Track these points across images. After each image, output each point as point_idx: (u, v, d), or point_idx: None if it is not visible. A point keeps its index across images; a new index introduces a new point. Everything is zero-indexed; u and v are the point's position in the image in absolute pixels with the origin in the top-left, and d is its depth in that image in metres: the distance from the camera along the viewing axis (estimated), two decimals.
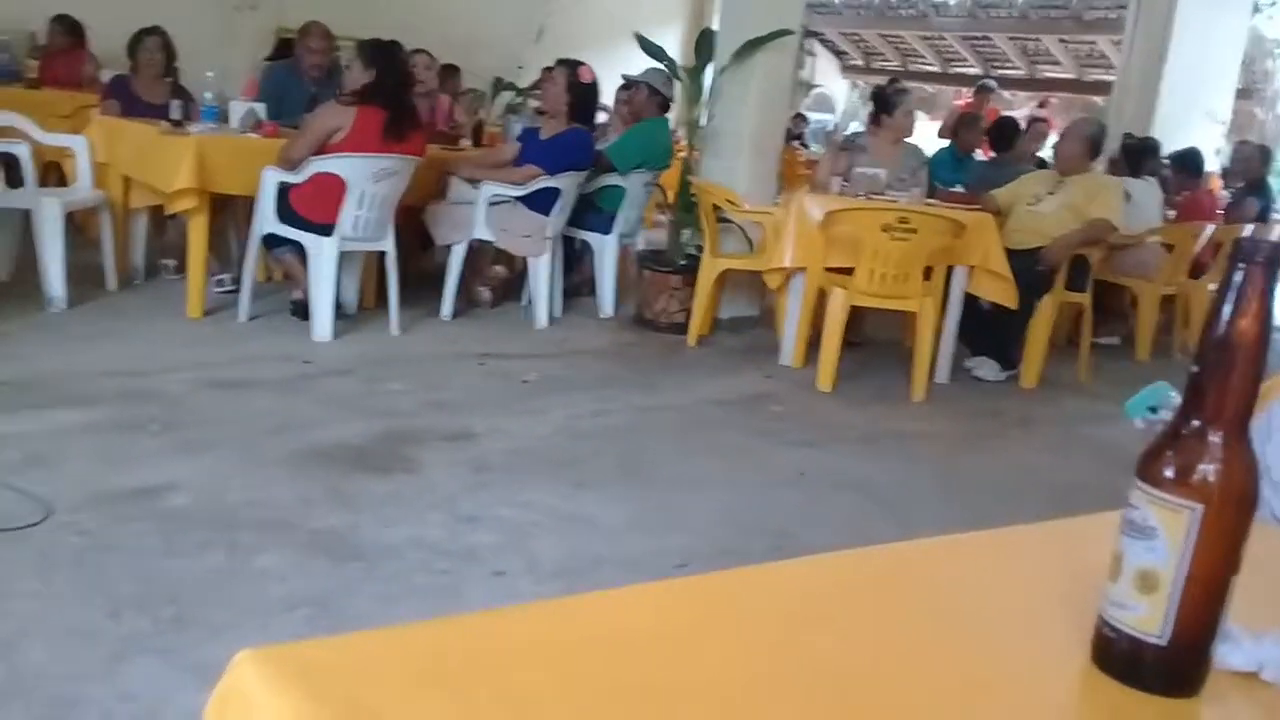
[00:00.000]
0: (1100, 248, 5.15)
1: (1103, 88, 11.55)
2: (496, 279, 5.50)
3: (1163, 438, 0.73)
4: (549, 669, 0.67)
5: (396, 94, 4.52)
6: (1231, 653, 0.73)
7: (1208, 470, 0.70)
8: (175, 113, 4.86)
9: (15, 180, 4.51)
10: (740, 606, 0.80)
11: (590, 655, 0.69)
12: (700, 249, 5.32)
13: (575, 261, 5.89)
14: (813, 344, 4.72)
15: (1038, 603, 0.86)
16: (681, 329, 5.24)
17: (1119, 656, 0.73)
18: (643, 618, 0.76)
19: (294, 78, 5.57)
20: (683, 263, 5.43)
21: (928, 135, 10.28)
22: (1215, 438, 0.71)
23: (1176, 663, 0.71)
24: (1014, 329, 4.99)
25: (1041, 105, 12.28)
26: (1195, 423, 0.72)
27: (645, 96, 5.83)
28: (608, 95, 6.75)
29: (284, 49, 6.72)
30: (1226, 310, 0.71)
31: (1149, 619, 0.71)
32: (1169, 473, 0.71)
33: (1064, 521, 1.02)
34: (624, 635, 0.73)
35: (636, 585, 0.79)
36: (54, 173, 5.52)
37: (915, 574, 0.92)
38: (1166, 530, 0.70)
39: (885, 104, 5.31)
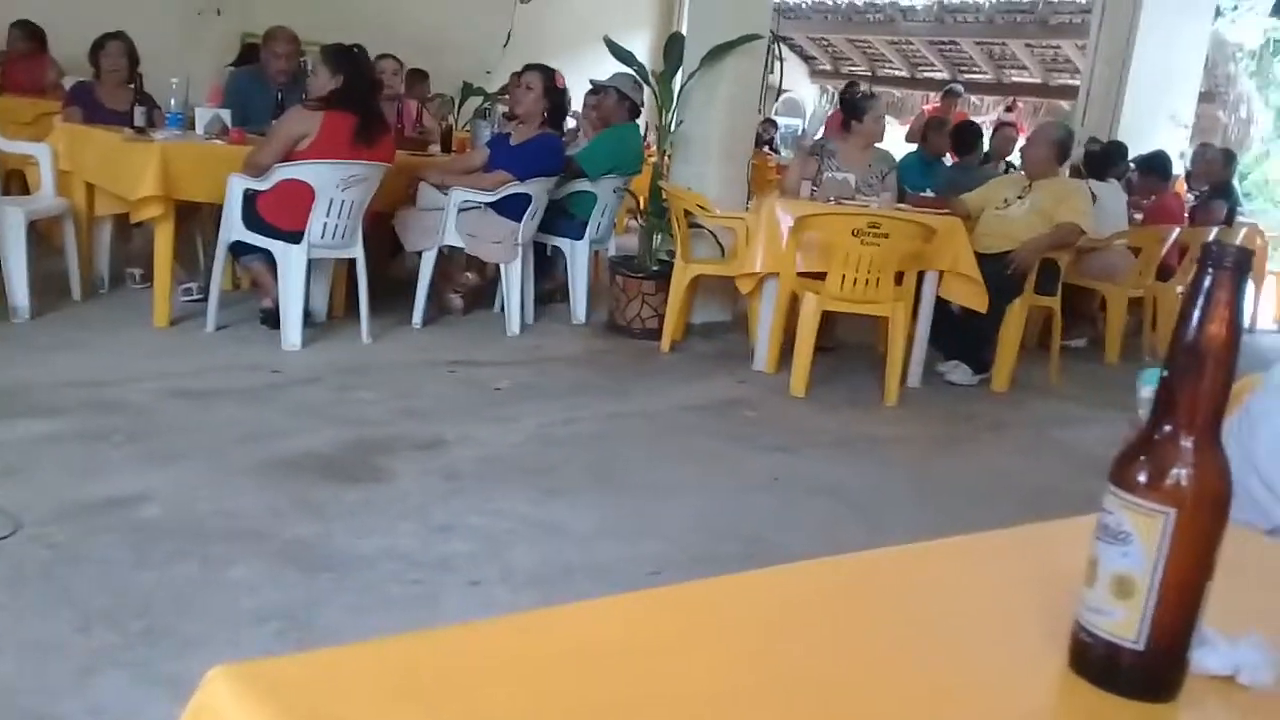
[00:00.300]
0: (1069, 251, 5.20)
1: (1069, 92, 11.67)
2: (467, 286, 5.47)
3: (1135, 443, 0.74)
4: (523, 684, 0.66)
5: (365, 99, 4.50)
6: (1208, 656, 0.74)
7: (1180, 474, 0.71)
8: (139, 119, 4.82)
9: None
10: (714, 617, 0.80)
11: (564, 669, 0.69)
12: (672, 254, 5.33)
13: (547, 268, 5.88)
14: (785, 349, 4.74)
15: (1014, 608, 0.86)
16: (654, 335, 5.25)
17: (1096, 661, 0.73)
18: (617, 629, 0.76)
19: (260, 83, 5.52)
20: (655, 268, 5.44)
21: (896, 140, 10.36)
22: (1187, 442, 0.71)
23: (1153, 667, 0.72)
24: (985, 332, 5.02)
25: (1009, 109, 12.41)
26: (1167, 427, 0.72)
27: (614, 101, 5.83)
28: (577, 101, 6.76)
29: (249, 54, 6.67)
30: (1196, 315, 0.72)
31: (1125, 624, 0.71)
32: (1142, 477, 0.72)
33: (1038, 526, 1.03)
34: (598, 648, 0.72)
35: (610, 597, 0.79)
36: (16, 181, 5.45)
37: (890, 581, 0.92)
38: (1141, 535, 0.71)
39: (855, 110, 5.35)
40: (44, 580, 2.33)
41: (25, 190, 5.26)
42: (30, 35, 6.79)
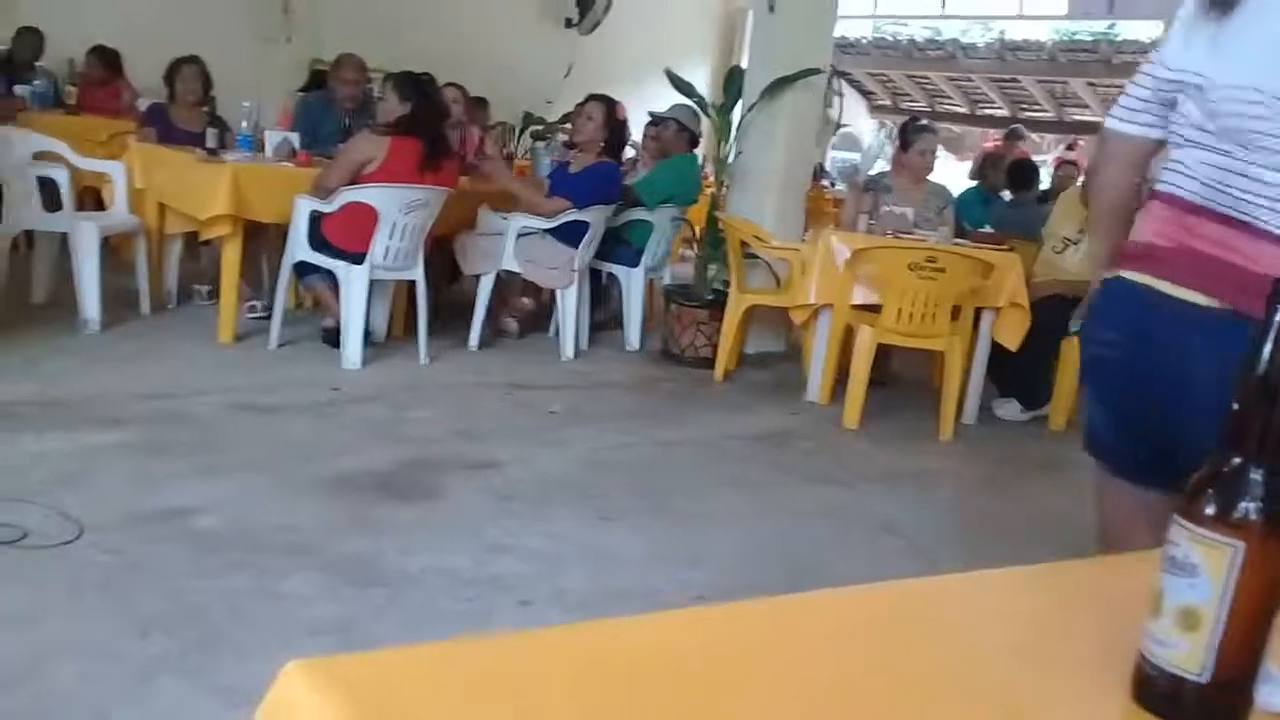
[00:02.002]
0: None
1: None
2: (523, 310, 5.53)
3: (1204, 475, 0.74)
4: (582, 693, 0.67)
5: (432, 126, 4.59)
6: (1273, 694, 0.73)
7: (1249, 507, 0.70)
8: (211, 141, 4.94)
9: (54, 204, 4.59)
10: (767, 637, 0.80)
11: (620, 681, 0.70)
12: (727, 284, 5.34)
13: (602, 295, 5.92)
14: (839, 381, 4.72)
15: (1075, 639, 0.85)
16: (708, 363, 5.25)
17: (1159, 694, 0.73)
18: (670, 644, 0.77)
19: (328, 108, 5.65)
20: (709, 297, 5.45)
21: (956, 176, 10.31)
22: (1256, 475, 0.71)
23: (1218, 701, 0.71)
24: (1036, 369, 4.97)
25: (1070, 148, 12.29)
26: (1236, 460, 0.72)
27: (674, 132, 5.88)
28: (636, 130, 6.82)
29: (318, 80, 6.83)
30: (1266, 349, 0.72)
31: (1190, 657, 0.71)
32: (1210, 510, 0.71)
33: (1099, 560, 1.02)
34: (652, 661, 0.73)
35: (665, 612, 0.80)
36: (91, 197, 5.61)
37: (946, 609, 0.92)
38: (1208, 567, 0.70)
39: (903, 141, 5.35)
40: (104, 587, 2.38)
41: (100, 207, 5.41)
42: (107, 61, 7.01)
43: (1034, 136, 12.71)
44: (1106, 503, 1.83)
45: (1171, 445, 1.52)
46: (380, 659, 0.69)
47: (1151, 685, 0.73)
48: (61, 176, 4.54)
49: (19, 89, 6.47)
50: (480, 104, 7.98)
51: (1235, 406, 0.73)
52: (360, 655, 0.68)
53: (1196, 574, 0.71)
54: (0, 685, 1.96)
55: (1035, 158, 9.53)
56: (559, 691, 0.67)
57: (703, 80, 10.00)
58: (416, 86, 4.60)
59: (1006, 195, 7.21)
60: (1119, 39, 11.62)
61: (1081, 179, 6.95)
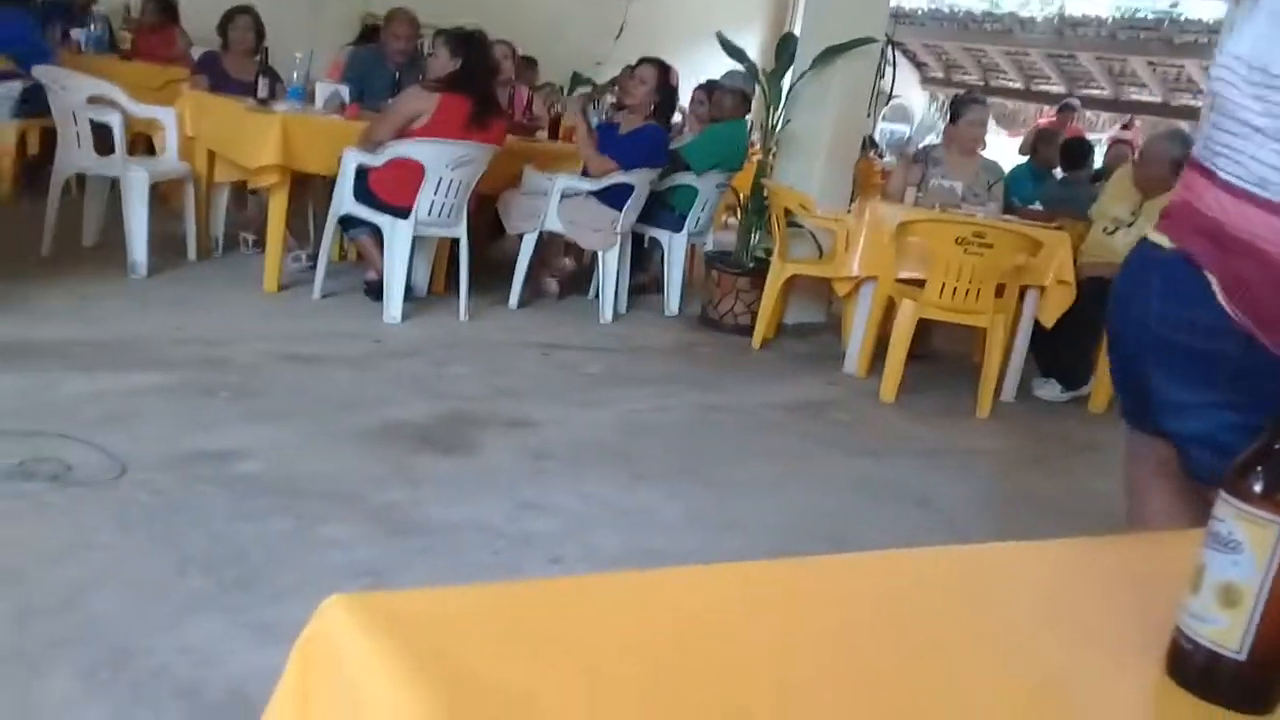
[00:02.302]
0: None
1: (1190, 113, 11.29)
2: (564, 271, 5.54)
3: (1252, 453, 0.73)
4: (618, 639, 0.68)
5: (482, 83, 4.58)
6: None
7: None
8: (263, 91, 4.96)
9: (106, 148, 4.64)
10: (797, 593, 0.81)
11: (658, 630, 0.71)
12: (769, 252, 5.31)
13: (643, 259, 5.91)
14: (878, 354, 4.69)
15: (1110, 612, 0.85)
16: (746, 331, 5.24)
17: (1195, 669, 0.72)
18: (704, 596, 0.77)
19: (378, 62, 5.66)
20: (751, 265, 5.43)
21: (1008, 151, 10.15)
22: None
23: (1255, 678, 0.71)
24: (1078, 350, 4.91)
25: (1125, 127, 12.05)
26: None
27: (733, 100, 5.82)
28: (684, 96, 6.77)
29: (370, 34, 6.83)
30: None
31: (1229, 633, 0.70)
32: (1258, 487, 0.71)
33: (1137, 535, 1.01)
34: (689, 612, 0.74)
35: (699, 565, 0.81)
36: (142, 143, 5.66)
37: (982, 577, 0.92)
38: (1253, 545, 0.70)
39: (953, 112, 5.27)
40: (146, 524, 2.43)
41: (151, 153, 5.47)
42: (162, 7, 7.05)
43: (1089, 114, 12.47)
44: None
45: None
46: (418, 596, 0.70)
47: (1187, 660, 0.73)
48: (114, 121, 4.58)
49: (75, 32, 6.53)
50: (529, 63, 7.96)
51: None
52: (398, 592, 0.69)
53: (1240, 550, 0.70)
54: (46, 610, 2.01)
55: (1089, 136, 9.35)
56: (592, 636, 0.68)
57: (754, 46, 9.88)
58: (468, 43, 4.59)
59: (1058, 172, 7.09)
60: (1182, 18, 11.35)
61: (1136, 157, 6.82)
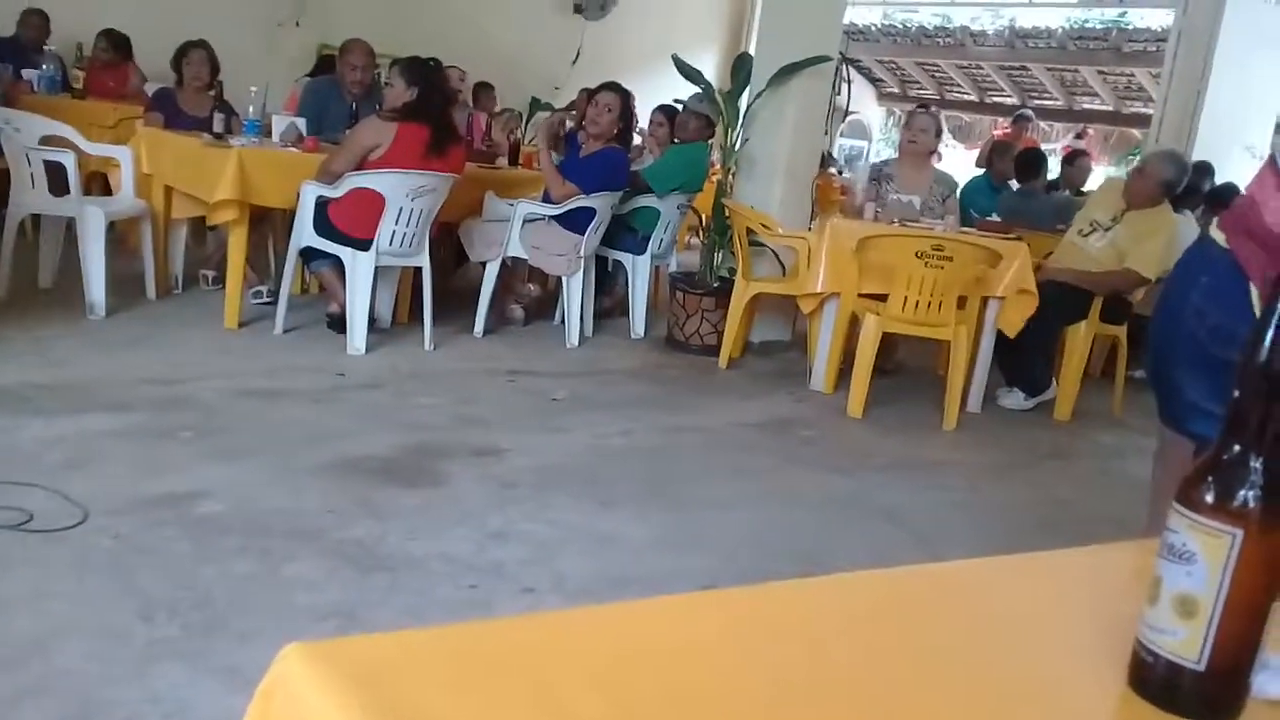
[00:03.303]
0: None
1: (1141, 120, 11.49)
2: (529, 297, 5.53)
3: (1204, 463, 0.73)
4: (584, 675, 0.68)
5: (439, 112, 4.58)
6: (1270, 681, 0.73)
7: (1248, 495, 0.70)
8: (218, 125, 4.94)
9: (60, 189, 4.59)
10: (767, 621, 0.81)
11: (624, 663, 0.70)
12: (733, 271, 5.33)
13: (608, 282, 5.92)
14: (844, 369, 4.72)
15: (1073, 625, 0.85)
16: (713, 351, 5.25)
17: (1156, 681, 0.73)
18: (674, 628, 0.77)
19: (335, 93, 5.65)
20: (715, 285, 5.45)
21: (964, 164, 10.27)
22: (1256, 463, 0.71)
23: (1214, 689, 0.71)
24: (1038, 355, 4.96)
25: (1079, 136, 12.24)
26: (1236, 448, 0.71)
27: (697, 122, 5.86)
28: (643, 118, 6.81)
29: (325, 65, 6.82)
30: (1268, 337, 0.71)
31: (1188, 644, 0.71)
32: (1209, 498, 0.71)
33: (1098, 547, 1.02)
34: (656, 644, 0.73)
35: (668, 596, 0.80)
36: (98, 182, 5.61)
37: (945, 595, 0.92)
38: (1206, 555, 0.70)
39: (905, 124, 5.33)
40: (109, 570, 2.39)
41: (106, 191, 5.42)
42: (114, 44, 7.01)
43: (1043, 125, 12.65)
44: (1157, 451, 1.89)
45: (1168, 382, 1.61)
46: (378, 641, 0.69)
47: (1149, 672, 0.73)
48: (68, 161, 4.54)
49: (26, 73, 6.47)
50: (486, 89, 7.98)
51: (1236, 394, 0.73)
52: (358, 638, 0.69)
53: (1194, 561, 0.71)
54: (7, 664, 1.97)
55: (1044, 146, 9.49)
56: (557, 673, 0.67)
57: (711, 67, 9.97)
58: (423, 72, 4.59)
59: (1014, 184, 7.19)
60: (1130, 27, 11.56)
61: (1096, 169, 6.90)
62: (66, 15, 7.25)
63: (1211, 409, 1.53)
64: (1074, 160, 7.97)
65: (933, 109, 5.68)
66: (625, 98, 5.32)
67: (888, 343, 4.71)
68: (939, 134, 5.47)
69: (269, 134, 5.03)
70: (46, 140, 4.72)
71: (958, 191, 5.43)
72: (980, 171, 7.84)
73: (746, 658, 0.74)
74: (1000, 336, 4.89)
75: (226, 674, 2.01)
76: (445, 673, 0.65)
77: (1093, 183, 7.59)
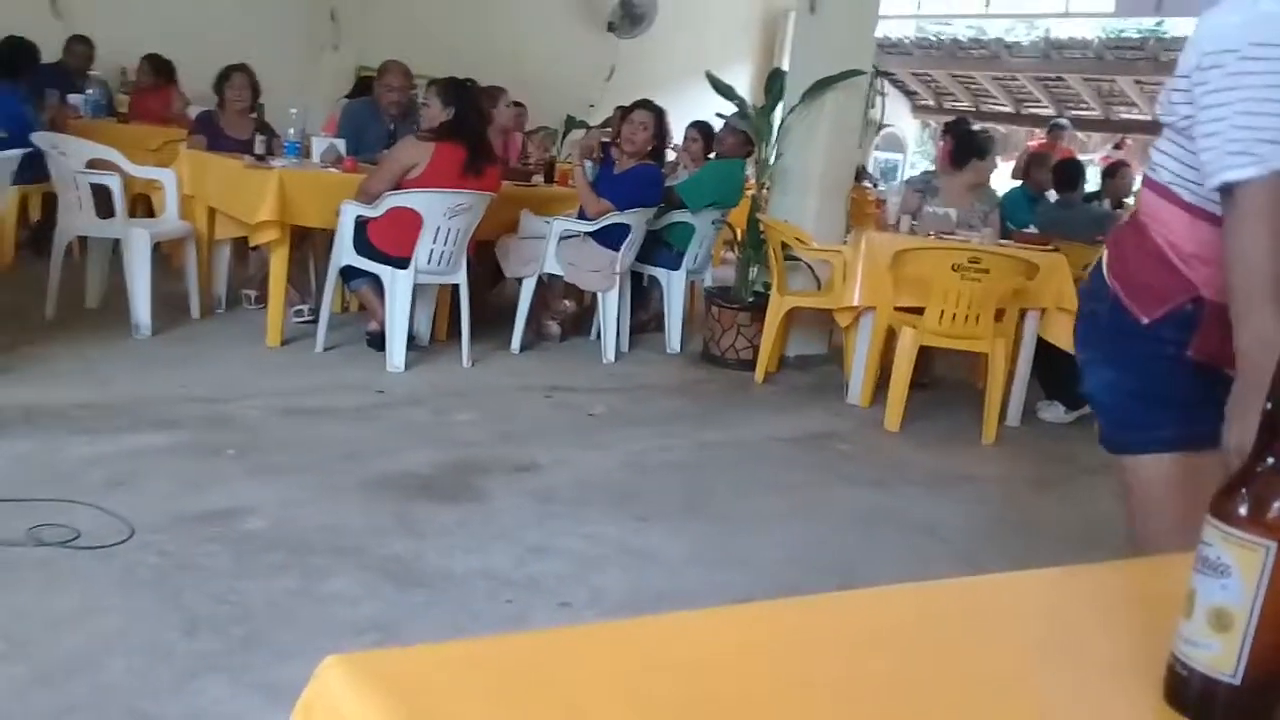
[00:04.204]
0: None
1: None
2: (565, 313, 5.56)
3: (1237, 475, 0.73)
4: (619, 688, 0.68)
5: (475, 131, 4.62)
6: None
7: None
8: (259, 147, 5.02)
9: (106, 211, 4.69)
10: (804, 634, 0.81)
11: (658, 676, 0.70)
12: (768, 286, 5.33)
13: (643, 297, 5.94)
14: (881, 383, 4.70)
15: (1108, 639, 0.85)
16: (748, 365, 5.25)
17: (1192, 695, 0.72)
18: (708, 641, 0.77)
19: (373, 114, 5.72)
20: (750, 299, 5.45)
21: (1000, 175, 10.18)
22: None
23: (1250, 703, 0.71)
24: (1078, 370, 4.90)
25: (1117, 147, 12.11)
26: (1270, 460, 0.71)
27: (735, 138, 5.90)
28: (677, 134, 6.83)
29: (364, 87, 6.91)
30: None
31: (1223, 658, 0.70)
32: (1243, 510, 0.71)
33: (1135, 560, 1.01)
34: (690, 657, 0.74)
35: (703, 610, 0.81)
36: (142, 204, 5.72)
37: (981, 609, 0.92)
38: (1240, 568, 0.70)
39: (977, 149, 5.21)
40: (153, 586, 2.43)
41: (150, 213, 5.52)
42: (156, 69, 7.14)
43: (1080, 135, 12.54)
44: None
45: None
46: (417, 654, 0.69)
47: (1184, 686, 0.73)
48: (114, 184, 4.63)
49: (73, 98, 6.61)
50: (519, 108, 8.03)
51: (1269, 406, 0.72)
52: (397, 650, 0.69)
53: (1228, 574, 0.70)
54: (53, 679, 2.01)
55: (1081, 156, 9.39)
56: (595, 686, 0.68)
57: (744, 82, 9.99)
58: (459, 92, 4.64)
59: (1052, 195, 7.12)
60: (1167, 36, 11.44)
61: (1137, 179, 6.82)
62: (111, 41, 7.40)
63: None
64: (1116, 172, 7.87)
65: (987, 129, 5.58)
66: (659, 115, 5.35)
67: (925, 356, 4.68)
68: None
69: (309, 155, 5.10)
70: (92, 164, 4.81)
71: (999, 206, 5.39)
72: (1017, 183, 7.77)
73: (780, 671, 0.74)
74: (1039, 349, 4.85)
75: (267, 689, 2.04)
76: (483, 684, 0.66)
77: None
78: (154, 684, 2.04)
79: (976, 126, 5.51)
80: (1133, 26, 11.85)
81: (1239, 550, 0.70)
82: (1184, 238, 1.47)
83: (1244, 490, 0.71)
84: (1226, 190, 1.34)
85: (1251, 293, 1.31)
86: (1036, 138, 11.66)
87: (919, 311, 4.48)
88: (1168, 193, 1.50)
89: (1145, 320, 1.51)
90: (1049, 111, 13.19)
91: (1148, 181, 1.55)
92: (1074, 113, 12.89)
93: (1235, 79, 1.32)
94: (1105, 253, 1.62)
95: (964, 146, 5.28)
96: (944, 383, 5.41)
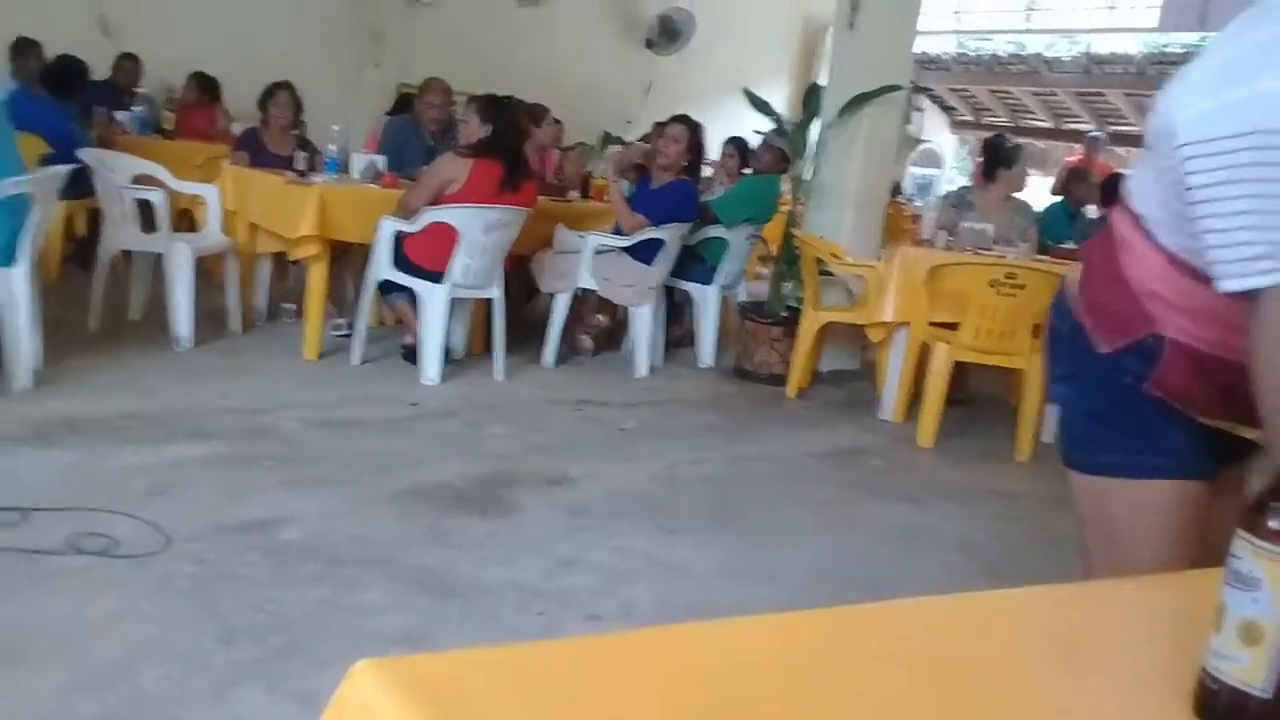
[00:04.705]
0: None
1: None
2: (598, 328, 5.58)
3: (1268, 490, 0.73)
4: (648, 696, 0.69)
5: (512, 147, 4.66)
6: None
7: None
8: (300, 164, 5.09)
9: (150, 226, 4.77)
10: (833, 645, 0.81)
11: (687, 684, 0.71)
12: (801, 301, 5.32)
13: (676, 312, 5.95)
14: (914, 399, 4.67)
15: (1139, 653, 0.85)
16: (781, 380, 5.24)
17: (1222, 708, 0.72)
18: (737, 651, 0.78)
19: (414, 131, 5.78)
20: (784, 314, 5.44)
21: (1039, 191, 10.11)
22: None
23: None
24: None
25: None
26: None
27: (772, 155, 5.92)
28: (713, 149, 6.86)
29: (404, 104, 6.99)
30: None
31: (1252, 671, 0.70)
32: (1273, 524, 0.70)
33: (1165, 575, 1.01)
34: (719, 666, 0.74)
35: (732, 619, 0.81)
36: (185, 219, 5.81)
37: (1010, 622, 0.91)
38: (1271, 581, 0.70)
39: (1003, 158, 5.21)
40: (191, 595, 2.46)
41: (193, 228, 5.61)
42: (202, 86, 7.27)
43: (1120, 151, 12.42)
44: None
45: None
46: (448, 660, 0.70)
47: (1214, 700, 0.72)
48: (158, 199, 4.71)
49: (120, 115, 6.74)
50: (555, 124, 8.08)
51: None
52: (428, 656, 0.70)
53: (1259, 588, 0.70)
54: (93, 686, 2.04)
55: (1121, 171, 9.29)
56: (625, 694, 0.68)
57: (781, 98, 9.99)
58: (497, 109, 4.69)
59: (1091, 210, 7.06)
60: None
61: None
62: (159, 59, 7.55)
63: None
64: None
65: (1019, 151, 5.54)
66: (694, 130, 5.37)
67: (959, 371, 4.65)
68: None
69: (349, 171, 5.16)
70: (138, 179, 4.90)
71: (1037, 222, 5.36)
72: (1058, 199, 7.72)
73: (808, 681, 0.74)
74: None
75: (302, 698, 2.06)
76: (512, 691, 0.66)
77: None
78: (191, 692, 2.06)
79: (1009, 140, 5.46)
80: (1176, 41, 11.73)
81: (1269, 563, 0.70)
82: (1149, 274, 1.38)
83: (1274, 504, 0.71)
84: (1247, 294, 1.18)
85: None
86: (1075, 153, 11.57)
87: (953, 327, 4.45)
88: (1141, 226, 1.39)
89: (1104, 349, 1.44)
90: (1089, 127, 13.08)
91: (1122, 203, 1.45)
92: (1115, 128, 12.77)
93: (1247, 170, 1.12)
94: (1073, 269, 1.56)
95: (992, 157, 5.26)
96: (979, 399, 5.37)
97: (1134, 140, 12.84)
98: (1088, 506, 1.61)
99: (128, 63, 7.36)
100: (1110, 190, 6.92)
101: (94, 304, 4.75)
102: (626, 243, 5.09)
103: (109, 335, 4.67)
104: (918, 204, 9.50)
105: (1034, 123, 14.00)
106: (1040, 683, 0.80)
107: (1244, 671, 0.70)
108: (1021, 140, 5.84)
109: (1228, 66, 1.16)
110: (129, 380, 4.11)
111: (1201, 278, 1.27)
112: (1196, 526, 1.45)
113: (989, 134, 7.10)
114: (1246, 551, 0.71)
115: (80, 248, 6.00)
